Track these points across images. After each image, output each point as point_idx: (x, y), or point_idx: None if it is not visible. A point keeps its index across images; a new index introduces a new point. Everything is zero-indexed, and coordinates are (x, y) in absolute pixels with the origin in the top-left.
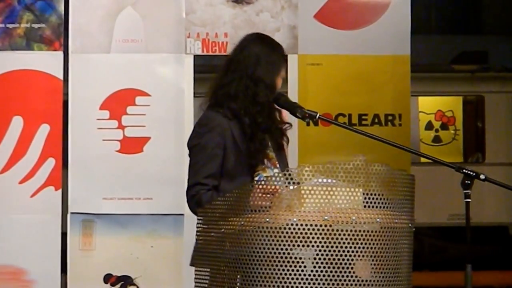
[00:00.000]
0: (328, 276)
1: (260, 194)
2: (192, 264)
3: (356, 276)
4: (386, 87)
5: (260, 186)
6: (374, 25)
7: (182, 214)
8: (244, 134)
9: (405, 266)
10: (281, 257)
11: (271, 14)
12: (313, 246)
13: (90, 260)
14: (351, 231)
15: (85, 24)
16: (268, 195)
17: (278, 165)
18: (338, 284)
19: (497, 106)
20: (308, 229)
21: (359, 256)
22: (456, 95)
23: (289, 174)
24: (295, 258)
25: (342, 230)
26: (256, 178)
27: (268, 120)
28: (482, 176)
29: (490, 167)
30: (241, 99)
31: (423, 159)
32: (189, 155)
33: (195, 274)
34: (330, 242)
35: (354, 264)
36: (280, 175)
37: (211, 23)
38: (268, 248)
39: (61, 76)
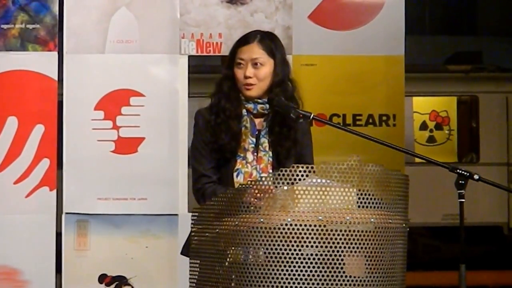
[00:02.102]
0: (323, 276)
1: (253, 194)
2: (182, 253)
3: (350, 276)
4: (380, 87)
5: (254, 186)
6: (369, 25)
7: (177, 215)
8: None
9: (399, 266)
10: (276, 257)
11: (266, 14)
12: (307, 246)
13: (85, 260)
14: (345, 231)
15: (79, 24)
16: (261, 195)
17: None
18: (332, 284)
19: (491, 106)
20: (302, 229)
21: (353, 256)
22: (451, 95)
23: (283, 174)
24: (290, 258)
25: (336, 230)
26: (235, 174)
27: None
28: (476, 176)
29: (484, 167)
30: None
31: (417, 159)
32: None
33: (190, 274)
34: (324, 242)
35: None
36: (274, 175)
37: (206, 24)
38: (263, 248)
39: (55, 77)
